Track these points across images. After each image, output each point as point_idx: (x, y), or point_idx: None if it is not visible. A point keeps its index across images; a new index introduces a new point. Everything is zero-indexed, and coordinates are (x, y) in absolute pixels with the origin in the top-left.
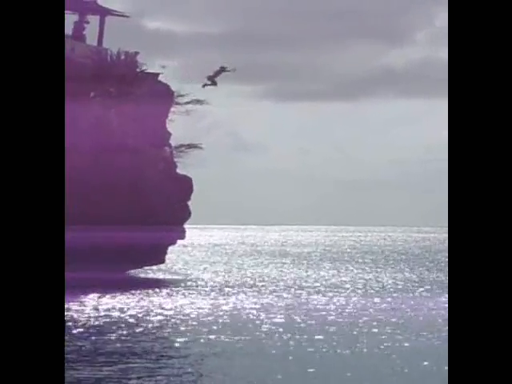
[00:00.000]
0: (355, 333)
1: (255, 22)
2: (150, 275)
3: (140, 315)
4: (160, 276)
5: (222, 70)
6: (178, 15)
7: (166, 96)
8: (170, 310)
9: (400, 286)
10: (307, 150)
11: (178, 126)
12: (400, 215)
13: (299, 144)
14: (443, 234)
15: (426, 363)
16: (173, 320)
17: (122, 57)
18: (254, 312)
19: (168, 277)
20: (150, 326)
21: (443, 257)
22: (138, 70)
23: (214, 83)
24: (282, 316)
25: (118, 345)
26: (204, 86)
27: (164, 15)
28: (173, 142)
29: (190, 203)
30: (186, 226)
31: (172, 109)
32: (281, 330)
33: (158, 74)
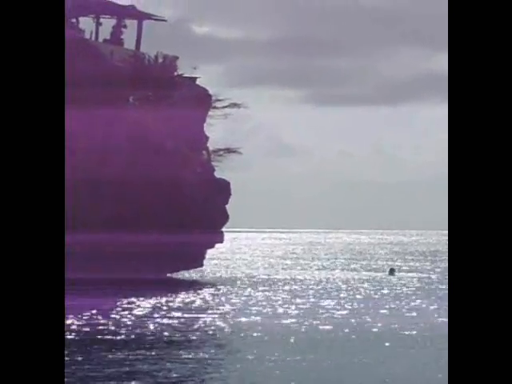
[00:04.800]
0: None
1: (301, 29)
2: (192, 277)
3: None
4: (201, 278)
5: None
6: (226, 21)
7: (203, 100)
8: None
9: None
10: (349, 153)
11: (217, 129)
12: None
13: (340, 147)
14: None
15: None
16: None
17: (160, 60)
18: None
19: (208, 278)
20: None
21: None
22: (175, 73)
23: None
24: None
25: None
26: None
27: (213, 21)
28: (211, 145)
29: (227, 207)
30: (223, 229)
31: (210, 113)
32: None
33: (195, 78)
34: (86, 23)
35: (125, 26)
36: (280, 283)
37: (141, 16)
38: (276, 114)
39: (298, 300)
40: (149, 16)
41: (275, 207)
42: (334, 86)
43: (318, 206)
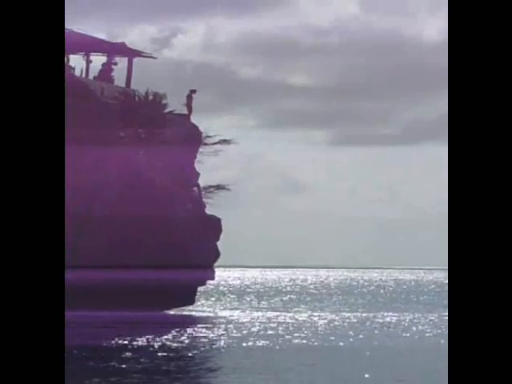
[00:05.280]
0: None
1: (334, 76)
2: (182, 314)
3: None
4: (191, 315)
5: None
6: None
7: (194, 136)
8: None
9: None
10: (354, 192)
11: (208, 166)
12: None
13: (350, 185)
14: None
15: None
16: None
17: (150, 98)
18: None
19: (198, 316)
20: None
21: None
22: (165, 110)
23: None
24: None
25: None
26: None
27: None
28: (202, 182)
29: (218, 243)
30: (215, 266)
31: (200, 149)
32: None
33: (186, 115)
34: (75, 61)
35: (115, 64)
36: None
37: (131, 53)
38: (293, 154)
39: None
40: (139, 53)
41: (270, 244)
42: (358, 126)
43: (306, 245)
